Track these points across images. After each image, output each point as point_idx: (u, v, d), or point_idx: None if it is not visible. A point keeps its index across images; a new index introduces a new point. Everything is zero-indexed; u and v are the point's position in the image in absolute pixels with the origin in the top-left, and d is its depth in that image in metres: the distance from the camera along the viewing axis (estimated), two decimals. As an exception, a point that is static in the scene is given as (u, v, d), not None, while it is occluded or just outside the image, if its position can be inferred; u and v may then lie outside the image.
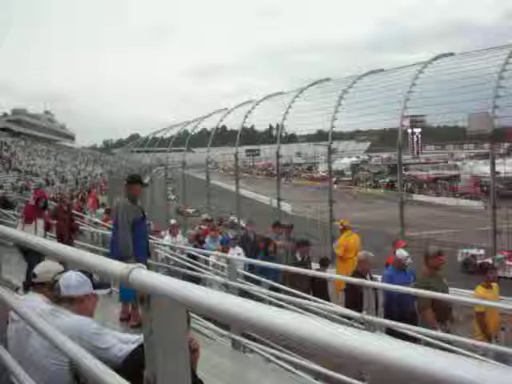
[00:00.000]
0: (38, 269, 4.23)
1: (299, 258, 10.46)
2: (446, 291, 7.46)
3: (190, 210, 28.42)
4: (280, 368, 6.16)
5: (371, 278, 8.49)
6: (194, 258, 10.18)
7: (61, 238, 11.12)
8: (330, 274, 10.45)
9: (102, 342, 3.42)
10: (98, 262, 1.93)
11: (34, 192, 12.64)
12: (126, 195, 7.77)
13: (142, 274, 1.55)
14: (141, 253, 7.56)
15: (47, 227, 11.33)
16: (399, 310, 7.54)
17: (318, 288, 9.21)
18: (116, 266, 1.68)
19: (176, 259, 10.22)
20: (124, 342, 3.60)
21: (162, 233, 15.86)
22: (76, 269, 3.64)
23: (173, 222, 15.11)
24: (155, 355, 1.55)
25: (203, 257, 10.40)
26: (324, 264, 10.66)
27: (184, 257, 10.20)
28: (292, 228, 12.57)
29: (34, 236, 3.37)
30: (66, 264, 3.90)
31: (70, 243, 10.40)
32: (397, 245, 10.18)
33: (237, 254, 11.32)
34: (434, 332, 5.74)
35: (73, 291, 3.59)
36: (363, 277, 8.04)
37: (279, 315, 1.10)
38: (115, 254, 7.29)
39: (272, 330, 1.10)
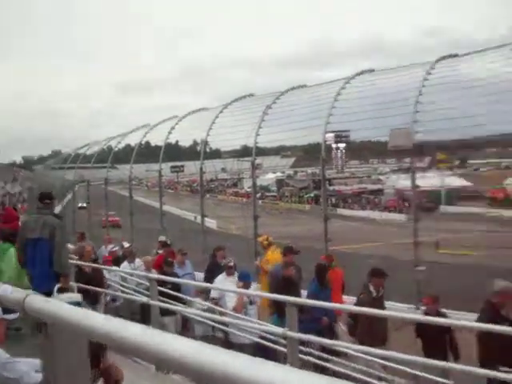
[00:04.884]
0: None
1: (374, 293, 8.29)
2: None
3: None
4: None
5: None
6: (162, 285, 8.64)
7: None
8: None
9: (11, 372, 3.29)
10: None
11: None
12: (50, 213, 7.53)
13: (38, 301, 1.44)
14: None
15: None
16: None
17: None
18: (10, 292, 1.55)
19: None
20: (38, 368, 3.45)
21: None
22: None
23: (126, 244, 13.80)
24: (54, 386, 1.45)
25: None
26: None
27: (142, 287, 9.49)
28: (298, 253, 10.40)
29: None
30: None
31: None
32: (322, 258, 10.65)
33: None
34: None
35: (-24, 317, 3.41)
36: (499, 314, 5.98)
37: (171, 342, 1.04)
38: (44, 275, 6.99)
39: (162, 357, 1.03)
